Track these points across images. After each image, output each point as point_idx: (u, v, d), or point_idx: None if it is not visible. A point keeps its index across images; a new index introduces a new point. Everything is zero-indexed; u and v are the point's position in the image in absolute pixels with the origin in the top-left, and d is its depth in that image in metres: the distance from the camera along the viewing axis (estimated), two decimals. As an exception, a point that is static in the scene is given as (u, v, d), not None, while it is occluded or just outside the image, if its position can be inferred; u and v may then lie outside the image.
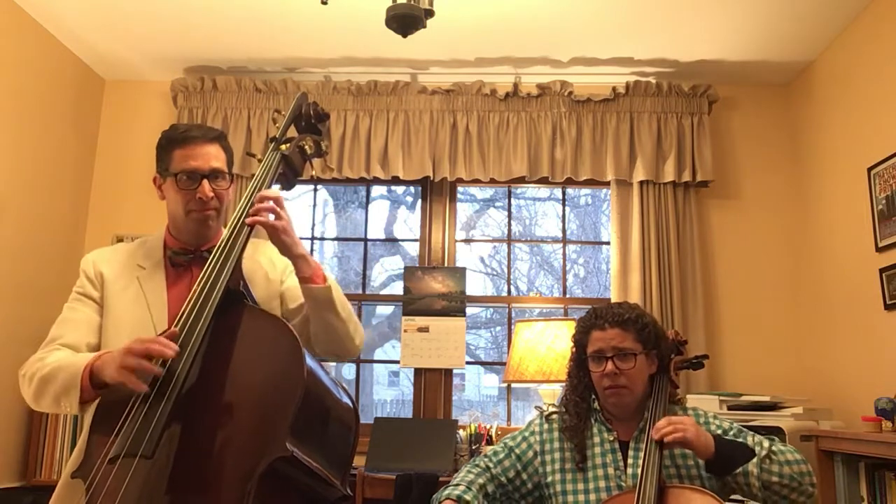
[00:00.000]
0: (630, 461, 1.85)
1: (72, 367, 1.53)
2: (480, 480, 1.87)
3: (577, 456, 1.88)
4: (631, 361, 1.86)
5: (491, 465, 1.92)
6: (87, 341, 1.67)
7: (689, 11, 3.26)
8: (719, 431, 1.87)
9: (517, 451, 1.95)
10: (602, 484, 1.84)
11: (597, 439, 1.91)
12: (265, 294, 1.76)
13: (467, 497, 1.79)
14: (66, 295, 1.77)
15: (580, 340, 1.97)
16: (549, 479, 1.90)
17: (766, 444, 1.77)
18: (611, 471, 1.85)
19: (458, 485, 1.84)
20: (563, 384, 2.06)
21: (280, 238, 1.64)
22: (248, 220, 1.62)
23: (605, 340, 1.88)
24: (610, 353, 1.87)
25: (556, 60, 3.74)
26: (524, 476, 1.92)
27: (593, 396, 1.98)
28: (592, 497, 1.84)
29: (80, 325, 1.69)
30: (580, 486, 1.87)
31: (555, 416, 2.00)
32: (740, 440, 1.81)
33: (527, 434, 1.99)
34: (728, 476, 1.75)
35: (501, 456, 1.94)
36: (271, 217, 1.62)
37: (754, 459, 1.73)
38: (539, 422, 2.01)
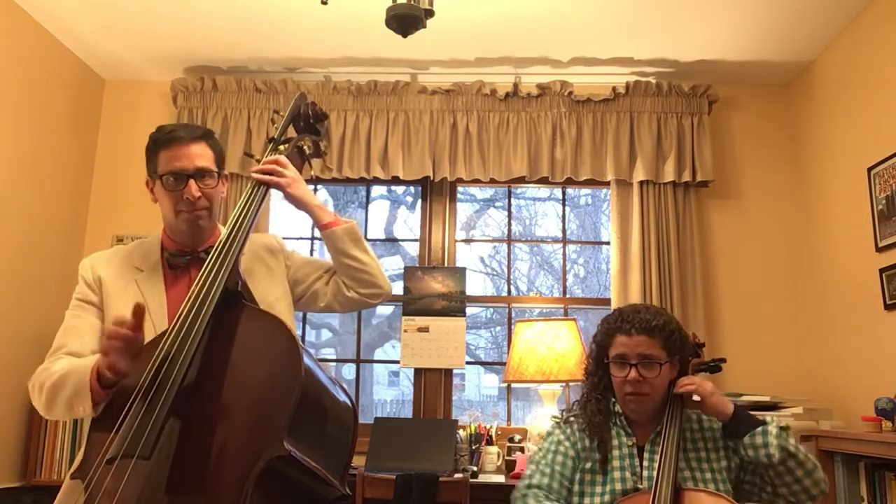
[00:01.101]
0: (646, 464, 1.85)
1: (79, 371, 1.53)
2: None
3: (599, 455, 1.86)
4: (656, 370, 1.83)
5: (552, 497, 1.86)
6: (91, 348, 1.67)
7: (689, 11, 3.26)
8: None
9: (558, 469, 1.89)
10: (618, 487, 1.84)
11: (615, 442, 1.89)
12: (270, 286, 1.78)
13: None
14: (67, 295, 1.77)
15: (603, 342, 1.92)
16: (577, 476, 1.89)
17: (782, 423, 1.82)
18: (627, 474, 1.84)
19: None
20: (582, 383, 2.02)
21: (290, 193, 1.76)
22: (256, 176, 1.73)
23: (630, 346, 1.84)
24: (634, 359, 1.83)
25: (556, 60, 3.74)
26: (573, 486, 1.89)
27: (612, 399, 1.95)
28: (608, 499, 1.82)
29: (83, 331, 1.69)
30: (598, 488, 1.85)
31: (573, 419, 1.97)
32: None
33: (557, 447, 1.93)
34: (745, 438, 1.77)
35: (549, 481, 1.88)
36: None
37: (773, 423, 1.78)
38: (562, 429, 1.97)
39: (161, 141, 1.71)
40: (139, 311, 1.42)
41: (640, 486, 1.81)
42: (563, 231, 4.04)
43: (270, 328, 1.49)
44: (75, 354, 1.65)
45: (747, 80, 3.87)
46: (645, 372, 1.82)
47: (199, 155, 1.70)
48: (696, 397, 1.83)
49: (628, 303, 3.51)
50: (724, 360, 2.05)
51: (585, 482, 1.87)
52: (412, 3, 2.44)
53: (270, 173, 1.75)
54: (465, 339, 3.72)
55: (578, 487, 1.87)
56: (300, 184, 1.79)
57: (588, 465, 1.88)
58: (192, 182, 1.68)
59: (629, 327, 1.85)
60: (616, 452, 1.88)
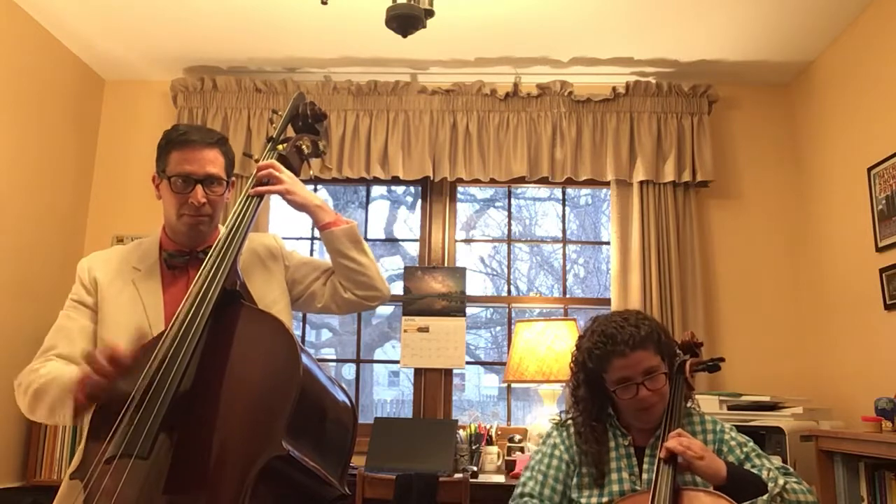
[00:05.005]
0: (645, 467, 1.83)
1: (64, 379, 1.52)
2: None
3: (595, 473, 1.84)
4: (661, 379, 1.81)
5: (537, 502, 1.85)
6: (81, 350, 1.65)
7: (689, 11, 3.26)
8: (733, 443, 1.86)
9: (552, 473, 1.88)
10: (616, 488, 1.82)
11: (612, 444, 1.88)
12: (267, 287, 1.77)
13: None
14: (66, 295, 1.76)
15: (596, 368, 1.85)
16: (573, 480, 1.88)
17: (780, 480, 1.72)
18: (625, 475, 1.83)
19: None
20: (571, 408, 1.96)
21: (289, 199, 1.77)
22: (252, 191, 1.72)
23: (631, 367, 1.79)
24: (640, 378, 1.79)
25: (556, 60, 3.74)
26: (567, 491, 1.88)
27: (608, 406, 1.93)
28: (605, 500, 1.82)
29: (74, 333, 1.68)
30: (595, 490, 1.84)
31: (570, 422, 1.95)
32: (755, 472, 1.76)
33: (552, 451, 1.92)
34: None
35: (541, 488, 1.87)
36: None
37: (765, 497, 1.70)
38: (558, 432, 1.96)
39: (175, 140, 1.70)
40: (141, 337, 1.42)
41: (637, 488, 1.81)
42: (563, 231, 4.04)
43: (269, 328, 1.49)
44: (65, 357, 1.64)
45: (747, 80, 3.86)
46: (652, 385, 1.80)
47: (211, 161, 1.69)
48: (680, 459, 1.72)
49: (628, 304, 3.53)
50: (722, 360, 2.03)
51: (583, 486, 1.86)
52: (412, 3, 2.44)
53: (266, 183, 1.75)
54: (465, 339, 3.72)
55: (577, 491, 1.86)
56: (297, 185, 1.78)
57: (585, 469, 1.87)
58: (199, 187, 1.67)
59: (623, 347, 1.79)
60: (613, 454, 1.86)
